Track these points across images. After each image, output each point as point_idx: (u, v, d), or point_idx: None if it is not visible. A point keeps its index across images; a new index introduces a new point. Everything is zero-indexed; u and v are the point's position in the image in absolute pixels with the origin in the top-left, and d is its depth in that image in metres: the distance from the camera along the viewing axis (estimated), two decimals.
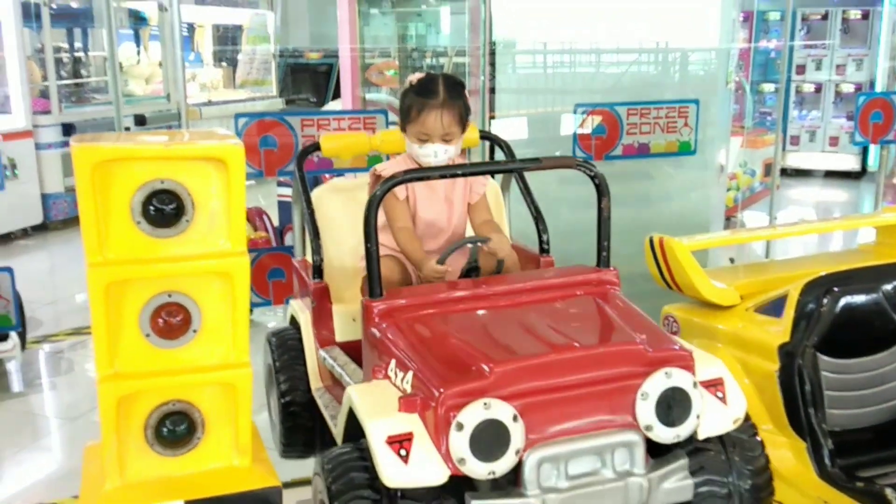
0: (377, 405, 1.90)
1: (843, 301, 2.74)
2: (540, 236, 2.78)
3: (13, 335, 4.45)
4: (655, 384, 1.90)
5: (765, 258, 4.90)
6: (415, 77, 2.52)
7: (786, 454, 2.64)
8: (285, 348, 2.80)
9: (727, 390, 2.03)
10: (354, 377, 2.32)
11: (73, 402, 4.54)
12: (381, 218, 2.34)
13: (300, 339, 2.78)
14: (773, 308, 2.89)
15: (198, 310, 2.00)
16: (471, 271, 2.42)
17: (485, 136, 2.98)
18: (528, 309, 2.15)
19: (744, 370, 2.82)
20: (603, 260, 2.28)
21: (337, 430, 2.21)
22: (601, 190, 2.22)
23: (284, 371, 2.76)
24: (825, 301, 2.73)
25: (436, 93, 2.45)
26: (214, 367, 2.02)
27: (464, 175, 2.45)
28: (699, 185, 4.96)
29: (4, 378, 4.69)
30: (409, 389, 1.93)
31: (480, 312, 2.15)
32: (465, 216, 2.68)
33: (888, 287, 2.80)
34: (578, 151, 4.14)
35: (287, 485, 2.15)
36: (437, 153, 2.47)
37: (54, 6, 8.61)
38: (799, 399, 2.65)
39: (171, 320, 1.97)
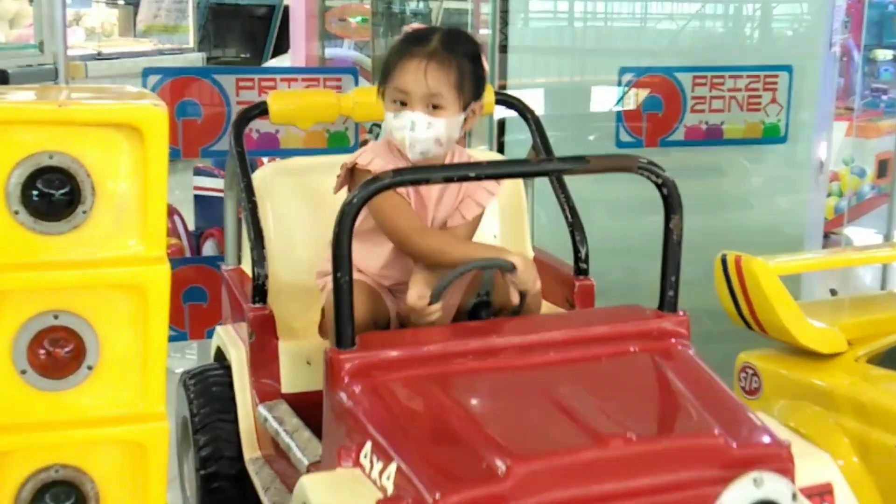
0: None
1: None
2: (576, 251, 2.81)
3: None
4: (740, 495, 1.87)
5: (880, 290, 4.95)
6: (411, 27, 2.54)
7: None
8: (208, 397, 2.81)
9: (837, 502, 2.03)
10: (309, 452, 2.31)
11: None
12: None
13: (230, 384, 2.78)
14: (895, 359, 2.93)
15: (95, 338, 1.99)
16: (479, 307, 2.41)
17: (503, 99, 2.98)
18: (560, 371, 2.13)
19: (853, 445, 2.86)
20: (668, 302, 2.27)
21: None
22: (671, 203, 2.19)
23: (206, 430, 2.76)
24: None
25: (426, 40, 2.46)
26: (116, 419, 2.01)
27: (477, 178, 2.41)
28: (789, 188, 5.03)
29: None
30: (389, 489, 1.90)
31: (494, 376, 2.13)
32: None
33: None
34: (624, 134, 4.19)
35: None
36: (414, 124, 2.45)
37: None
38: None
39: (58, 351, 1.96)
